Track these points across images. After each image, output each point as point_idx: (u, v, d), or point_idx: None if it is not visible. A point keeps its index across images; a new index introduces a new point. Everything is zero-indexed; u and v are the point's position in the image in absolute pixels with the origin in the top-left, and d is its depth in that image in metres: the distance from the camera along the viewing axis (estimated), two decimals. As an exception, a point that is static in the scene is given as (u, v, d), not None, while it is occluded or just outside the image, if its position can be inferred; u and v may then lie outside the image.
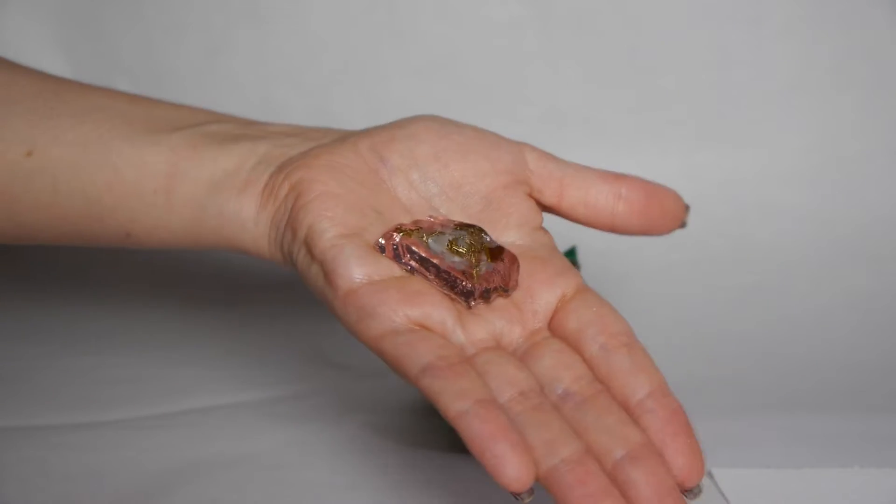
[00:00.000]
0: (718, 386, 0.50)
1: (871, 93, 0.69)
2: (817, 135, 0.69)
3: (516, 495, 0.27)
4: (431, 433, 0.44)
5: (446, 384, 0.29)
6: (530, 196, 0.36)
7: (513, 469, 0.27)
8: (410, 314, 0.31)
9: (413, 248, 0.32)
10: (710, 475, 0.39)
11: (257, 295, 0.59)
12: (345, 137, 0.36)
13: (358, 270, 0.32)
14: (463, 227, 0.33)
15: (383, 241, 0.32)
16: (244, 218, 0.35)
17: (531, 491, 0.27)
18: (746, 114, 0.70)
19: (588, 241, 0.56)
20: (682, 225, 0.38)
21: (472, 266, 0.32)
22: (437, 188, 0.35)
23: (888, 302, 0.60)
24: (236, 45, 0.69)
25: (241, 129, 0.37)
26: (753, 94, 0.69)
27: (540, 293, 0.33)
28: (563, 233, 0.63)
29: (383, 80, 0.70)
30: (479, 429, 0.27)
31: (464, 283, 0.32)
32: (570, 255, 0.49)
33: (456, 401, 0.28)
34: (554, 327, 0.33)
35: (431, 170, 0.35)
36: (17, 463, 0.40)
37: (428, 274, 0.32)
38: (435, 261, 0.32)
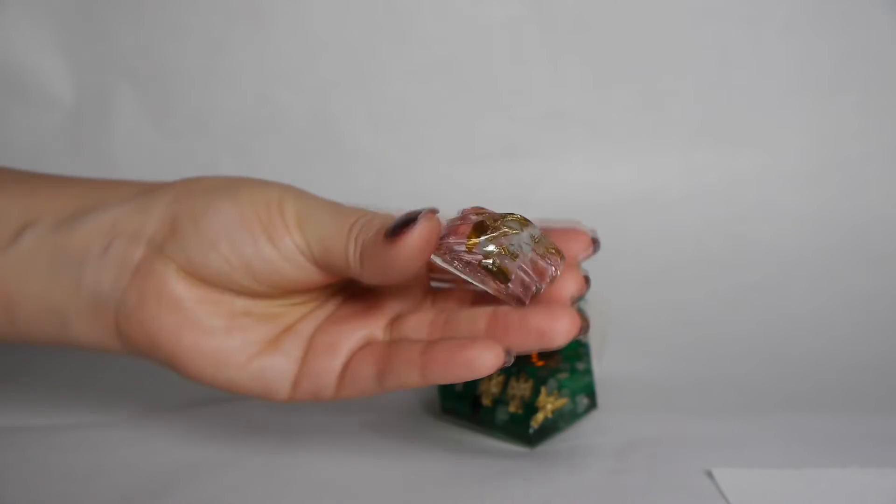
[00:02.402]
0: (718, 386, 0.50)
1: (871, 93, 0.69)
2: (817, 135, 0.69)
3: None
4: (431, 433, 0.44)
5: None
6: None
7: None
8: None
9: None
10: (711, 475, 0.39)
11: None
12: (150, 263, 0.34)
13: (287, 385, 0.35)
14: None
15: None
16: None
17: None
18: (746, 114, 0.70)
19: (588, 241, 0.56)
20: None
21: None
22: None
23: (888, 302, 0.60)
24: (236, 45, 0.69)
25: (54, 236, 0.35)
26: (753, 94, 0.69)
27: None
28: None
29: (383, 80, 0.70)
30: None
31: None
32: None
33: None
34: None
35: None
36: (17, 463, 0.40)
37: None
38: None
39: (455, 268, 0.32)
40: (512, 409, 0.42)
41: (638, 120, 0.70)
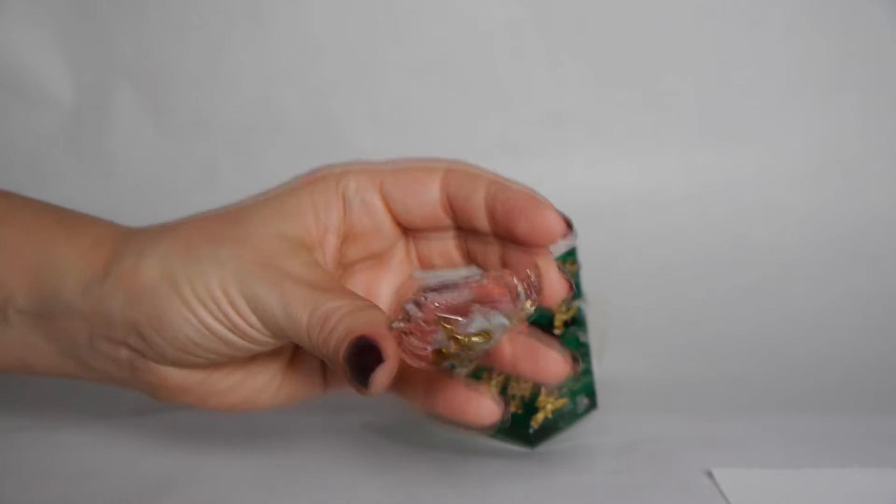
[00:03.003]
0: (718, 386, 0.50)
1: (871, 93, 0.69)
2: (817, 135, 0.69)
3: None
4: (431, 433, 0.44)
5: None
6: None
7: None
8: None
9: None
10: (711, 475, 0.39)
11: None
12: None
13: (317, 388, 0.36)
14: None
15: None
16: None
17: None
18: (747, 113, 0.70)
19: (588, 242, 0.56)
20: None
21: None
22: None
23: (888, 302, 0.60)
24: (237, 45, 0.69)
25: (37, 321, 0.35)
26: (753, 94, 0.69)
27: None
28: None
29: (383, 80, 0.70)
30: None
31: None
32: (570, 255, 0.49)
33: None
34: None
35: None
36: (17, 463, 0.40)
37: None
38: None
39: None
40: (512, 409, 0.42)
41: (638, 120, 0.70)
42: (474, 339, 0.28)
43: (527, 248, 0.32)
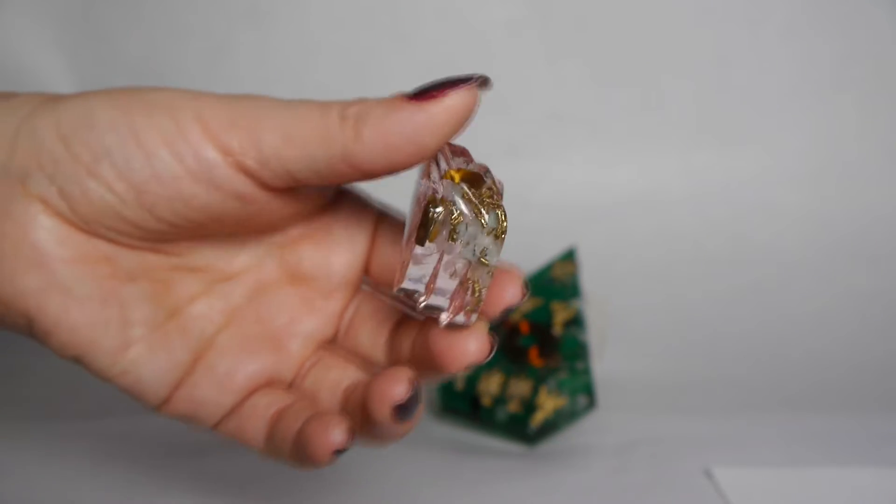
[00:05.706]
0: (718, 386, 0.50)
1: (871, 93, 0.69)
2: (817, 135, 0.69)
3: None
4: (431, 433, 0.44)
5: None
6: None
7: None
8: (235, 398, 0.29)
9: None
10: (711, 475, 0.39)
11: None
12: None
13: (162, 391, 0.28)
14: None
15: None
16: None
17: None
18: (746, 114, 0.70)
19: (588, 242, 0.56)
20: None
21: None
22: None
23: (888, 302, 0.60)
24: (237, 46, 0.69)
25: None
26: (753, 94, 0.70)
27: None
28: (564, 233, 0.63)
29: (383, 80, 0.70)
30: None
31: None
32: (570, 255, 0.49)
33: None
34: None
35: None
36: (17, 463, 0.40)
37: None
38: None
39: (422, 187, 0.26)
40: (512, 408, 0.42)
41: (638, 120, 0.70)
42: (488, 218, 0.25)
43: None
